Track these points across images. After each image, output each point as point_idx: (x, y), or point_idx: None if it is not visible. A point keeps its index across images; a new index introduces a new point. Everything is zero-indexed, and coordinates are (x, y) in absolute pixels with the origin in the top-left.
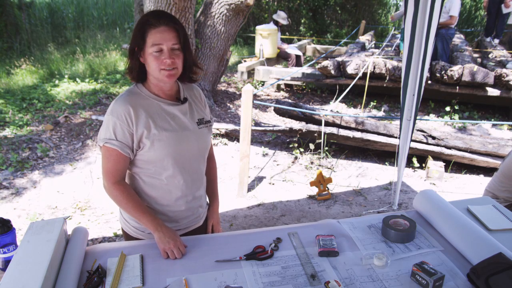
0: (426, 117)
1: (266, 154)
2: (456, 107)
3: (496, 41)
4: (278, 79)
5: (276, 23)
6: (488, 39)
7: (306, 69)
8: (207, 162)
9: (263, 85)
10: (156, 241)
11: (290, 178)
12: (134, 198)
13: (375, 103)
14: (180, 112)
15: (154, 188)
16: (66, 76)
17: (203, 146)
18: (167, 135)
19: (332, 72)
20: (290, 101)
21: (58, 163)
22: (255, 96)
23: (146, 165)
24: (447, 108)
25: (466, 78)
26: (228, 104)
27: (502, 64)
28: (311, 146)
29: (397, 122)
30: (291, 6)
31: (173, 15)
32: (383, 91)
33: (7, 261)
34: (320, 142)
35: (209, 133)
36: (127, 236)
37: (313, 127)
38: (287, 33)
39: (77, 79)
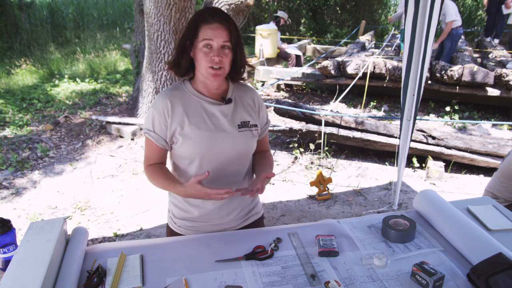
0: (426, 117)
1: None
2: (456, 107)
3: (496, 41)
4: (278, 79)
5: (278, 21)
6: (488, 39)
7: (306, 69)
8: (263, 156)
9: (263, 85)
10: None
11: (290, 178)
12: (163, 172)
13: (375, 103)
14: (221, 112)
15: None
16: (66, 76)
17: (242, 150)
18: (199, 134)
19: (332, 72)
20: (290, 101)
21: (58, 163)
22: None
23: (178, 159)
24: (447, 108)
25: (466, 78)
26: None
27: (502, 64)
28: (311, 146)
29: (397, 122)
30: (291, 6)
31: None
32: (383, 91)
33: (7, 261)
34: (320, 142)
35: (253, 138)
36: (170, 232)
37: (313, 127)
38: (287, 33)
39: (77, 79)
